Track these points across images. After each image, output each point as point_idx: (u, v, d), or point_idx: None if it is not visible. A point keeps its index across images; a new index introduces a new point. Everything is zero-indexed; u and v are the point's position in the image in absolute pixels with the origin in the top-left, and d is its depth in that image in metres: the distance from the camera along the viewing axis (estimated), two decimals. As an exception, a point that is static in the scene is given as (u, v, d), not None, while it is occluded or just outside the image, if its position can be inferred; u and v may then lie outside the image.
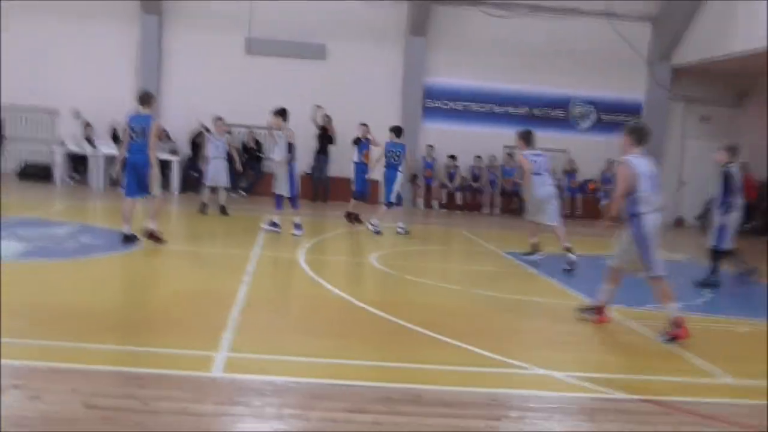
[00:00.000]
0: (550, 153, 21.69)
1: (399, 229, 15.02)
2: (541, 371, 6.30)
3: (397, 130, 15.62)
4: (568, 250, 12.02)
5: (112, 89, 20.29)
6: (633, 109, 22.81)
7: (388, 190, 15.23)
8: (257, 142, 21.31)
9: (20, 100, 20.71)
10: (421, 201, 22.04)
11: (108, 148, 19.84)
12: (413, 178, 21.24)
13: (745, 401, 5.86)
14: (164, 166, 18.61)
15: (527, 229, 12.98)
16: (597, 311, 8.28)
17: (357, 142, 16.66)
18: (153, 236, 11.16)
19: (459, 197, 22.25)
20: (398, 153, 15.29)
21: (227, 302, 7.77)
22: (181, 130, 20.73)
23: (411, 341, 7.03)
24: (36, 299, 7.57)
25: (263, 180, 20.07)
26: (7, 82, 20.19)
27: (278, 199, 13.58)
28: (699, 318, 9.11)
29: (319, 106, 19.96)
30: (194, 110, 19.94)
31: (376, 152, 16.12)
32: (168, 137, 20.34)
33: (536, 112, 22.82)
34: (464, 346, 6.80)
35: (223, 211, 16.03)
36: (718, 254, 11.45)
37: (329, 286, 9.27)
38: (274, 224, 13.61)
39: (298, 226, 13.40)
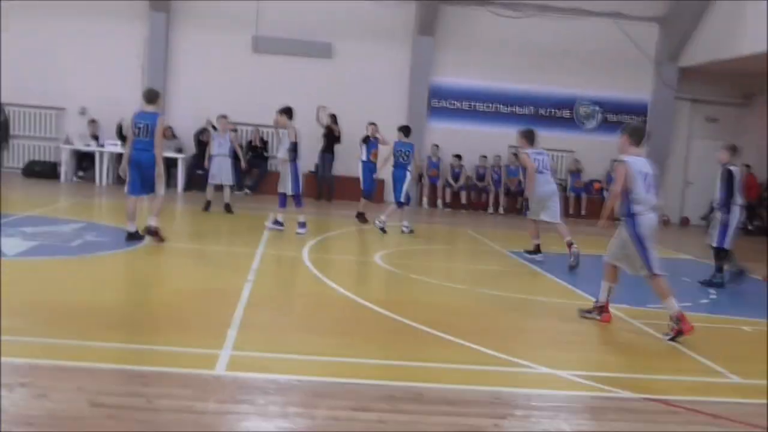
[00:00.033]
0: (556, 153, 22.02)
1: (404, 228, 15.01)
2: (546, 370, 6.28)
3: (405, 130, 15.62)
4: (571, 245, 12.05)
5: (118, 87, 20.31)
6: (639, 110, 22.76)
7: (399, 190, 15.24)
8: (263, 141, 21.31)
9: (26, 97, 20.74)
10: (425, 200, 22.01)
11: (114, 146, 19.88)
12: (419, 178, 21.23)
13: (752, 400, 5.84)
14: (170, 163, 18.65)
15: (529, 229, 12.96)
16: (599, 311, 8.27)
17: (366, 140, 16.61)
18: (154, 234, 11.12)
19: (464, 196, 22.22)
20: (407, 152, 15.30)
21: (231, 300, 7.76)
22: (187, 128, 20.74)
23: (415, 340, 7.02)
24: (41, 297, 7.57)
25: (268, 178, 20.07)
26: (13, 79, 20.21)
27: (282, 198, 13.57)
28: (705, 317, 9.11)
29: (322, 107, 19.95)
30: (201, 108, 19.96)
31: (385, 151, 16.11)
32: (173, 135, 20.34)
33: (542, 112, 22.77)
34: (468, 344, 6.79)
35: (228, 209, 16.03)
36: (721, 253, 11.42)
37: (333, 285, 9.27)
38: (278, 223, 13.61)
39: (302, 225, 13.39)
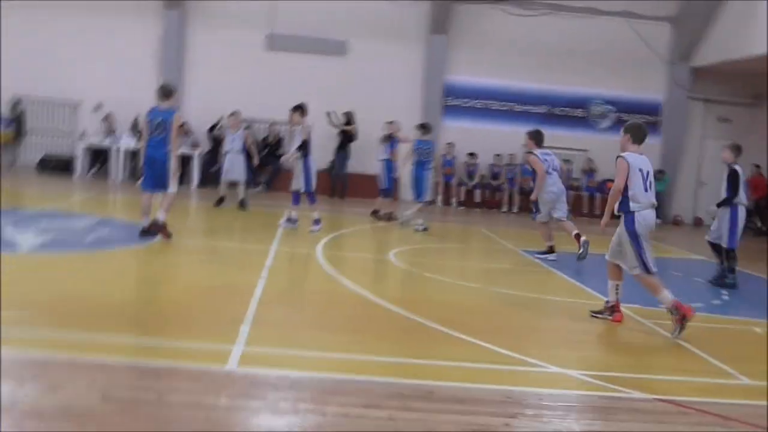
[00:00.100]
0: (570, 152, 21.98)
1: (417, 226, 15.02)
2: (557, 369, 6.28)
3: (425, 127, 15.64)
4: (579, 236, 12.11)
5: (133, 84, 20.34)
6: (652, 109, 22.70)
7: (422, 188, 15.31)
8: (277, 138, 21.35)
9: (42, 93, 20.90)
10: (440, 198, 22.00)
11: (128, 142, 19.97)
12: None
13: (762, 402, 5.81)
14: (184, 160, 18.70)
15: (540, 230, 12.96)
16: (611, 311, 8.27)
17: (388, 139, 16.53)
18: (161, 229, 11.00)
19: (478, 195, 22.21)
20: (428, 150, 15.34)
21: (244, 297, 7.79)
22: (201, 125, 20.81)
23: (427, 338, 7.03)
24: (54, 291, 7.62)
25: (282, 175, 20.11)
26: (29, 75, 20.39)
27: (295, 195, 13.58)
28: (716, 318, 9.11)
29: (332, 112, 19.92)
30: (215, 105, 20.01)
31: (404, 149, 16.14)
32: (189, 130, 20.40)
33: (556, 111, 22.72)
34: (480, 343, 6.80)
35: (242, 205, 16.08)
36: (731, 253, 11.41)
37: (346, 282, 9.28)
38: (291, 220, 13.63)
39: (316, 222, 13.40)
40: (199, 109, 20.76)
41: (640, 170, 7.96)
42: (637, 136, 8.17)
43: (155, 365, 5.43)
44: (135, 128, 19.75)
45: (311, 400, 5.03)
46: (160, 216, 10.98)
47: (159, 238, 10.94)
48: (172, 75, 20.19)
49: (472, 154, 22.09)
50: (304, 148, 13.23)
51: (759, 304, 10.47)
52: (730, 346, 7.83)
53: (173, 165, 11.00)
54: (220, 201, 16.28)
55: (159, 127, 10.86)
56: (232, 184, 16.50)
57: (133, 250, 10.54)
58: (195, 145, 20.55)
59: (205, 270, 9.85)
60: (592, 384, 5.95)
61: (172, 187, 11.06)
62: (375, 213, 16.53)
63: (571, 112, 22.81)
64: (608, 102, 22.77)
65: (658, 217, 19.81)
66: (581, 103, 22.76)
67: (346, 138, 20.74)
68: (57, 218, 12.61)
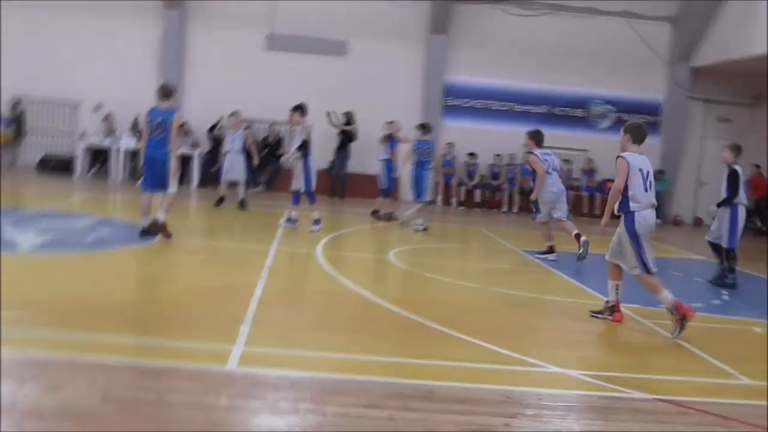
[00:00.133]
0: (570, 152, 21.99)
1: (417, 226, 15.02)
2: (557, 369, 6.29)
3: (425, 127, 15.65)
4: (579, 236, 12.13)
5: (133, 84, 20.33)
6: (652, 109, 22.71)
7: (422, 188, 15.33)
8: (277, 138, 21.35)
9: (42, 92, 20.90)
10: (440, 198, 22.00)
11: (128, 142, 19.97)
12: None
13: (762, 402, 5.80)
14: (184, 160, 18.70)
15: (540, 231, 12.97)
16: (611, 311, 8.27)
17: (388, 139, 16.52)
18: (161, 229, 10.96)
19: (478, 195, 22.22)
20: (428, 150, 15.35)
21: (244, 297, 7.79)
22: (201, 125, 20.81)
23: (427, 338, 7.03)
24: (54, 291, 7.62)
25: (282, 175, 20.11)
26: (29, 74, 20.40)
27: (295, 195, 13.58)
28: (716, 318, 9.11)
29: (332, 112, 19.90)
30: (215, 105, 20.01)
31: (404, 150, 16.14)
32: (188, 131, 20.41)
33: (556, 111, 22.73)
34: (480, 343, 6.80)
35: (242, 205, 16.09)
36: (731, 253, 11.42)
37: (346, 282, 9.28)
38: (291, 220, 13.63)
39: (316, 222, 13.40)
40: (199, 109, 20.76)
41: (640, 170, 7.98)
42: (637, 136, 8.19)
43: (155, 365, 5.43)
44: (135, 128, 19.75)
45: (311, 400, 5.03)
46: (160, 216, 10.94)
47: (159, 238, 10.94)
48: (172, 75, 20.19)
49: (472, 154, 22.10)
50: (304, 148, 13.23)
51: (759, 304, 10.47)
52: (730, 346, 7.83)
53: (173, 165, 10.98)
54: (220, 201, 16.29)
55: (159, 127, 10.84)
56: (233, 184, 16.51)
57: (133, 250, 10.54)
58: (195, 145, 20.56)
59: (205, 270, 9.85)
60: (592, 384, 5.95)
61: (172, 187, 11.02)
62: (375, 213, 16.54)
63: (571, 112, 22.82)
64: (608, 102, 22.78)
65: (658, 217, 19.79)
66: (581, 103, 22.77)
67: (346, 138, 20.74)
68: (57, 218, 12.61)
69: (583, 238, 12.01)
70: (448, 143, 21.85)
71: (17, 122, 20.90)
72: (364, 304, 8.32)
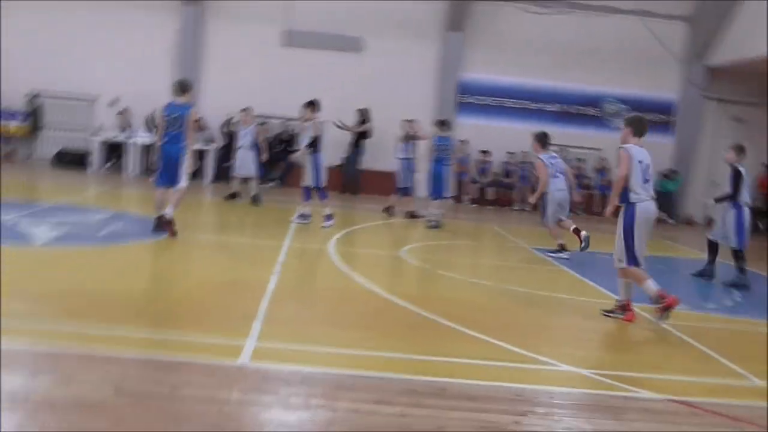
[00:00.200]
0: (583, 151, 21.95)
1: (430, 223, 15.03)
2: (568, 368, 6.29)
3: (444, 124, 15.67)
4: (578, 231, 12.25)
5: (150, 78, 20.41)
6: (666, 108, 22.64)
7: (442, 185, 15.34)
8: (291, 134, 21.39)
9: (58, 87, 21.01)
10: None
11: (143, 137, 20.05)
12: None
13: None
14: (199, 155, 18.77)
15: (551, 232, 12.98)
16: (622, 309, 8.26)
17: (409, 138, 16.45)
18: (166, 225, 10.80)
19: (490, 192, 22.20)
20: (446, 146, 15.37)
21: (257, 292, 7.81)
22: (217, 120, 20.88)
23: (439, 335, 7.04)
24: (68, 285, 7.67)
25: (296, 171, 20.15)
26: (46, 69, 20.53)
27: (306, 191, 13.61)
28: (728, 319, 9.08)
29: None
30: (230, 101, 20.01)
31: (423, 147, 16.15)
32: (203, 126, 20.46)
33: (569, 109, 22.68)
34: (491, 340, 6.81)
35: (255, 201, 16.13)
36: (739, 254, 11.42)
37: (358, 278, 9.30)
38: (303, 216, 13.65)
39: (328, 217, 13.42)
40: (214, 105, 20.81)
41: (640, 162, 8.14)
42: (638, 129, 8.33)
43: (168, 359, 5.45)
44: (150, 123, 19.81)
45: (322, 396, 5.05)
46: (168, 211, 10.84)
47: (175, 231, 10.86)
48: (188, 70, 20.25)
49: (485, 152, 22.08)
50: (314, 144, 13.24)
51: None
52: (742, 347, 7.81)
53: (188, 160, 10.99)
54: (232, 196, 16.35)
55: (175, 122, 10.85)
56: (246, 180, 16.57)
57: (146, 244, 10.58)
58: (210, 141, 20.61)
59: (218, 265, 9.89)
60: (603, 383, 5.95)
61: (183, 182, 10.99)
62: (388, 210, 16.53)
63: (585, 110, 22.76)
64: (622, 101, 22.69)
65: (671, 217, 19.85)
66: (595, 101, 22.71)
67: (361, 134, 20.74)
68: (71, 212, 12.67)
69: (583, 233, 12.11)
70: (462, 140, 21.85)
71: (34, 116, 21.02)
72: (376, 300, 8.34)
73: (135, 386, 4.87)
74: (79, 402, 4.52)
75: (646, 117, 8.64)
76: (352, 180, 20.95)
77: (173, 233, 10.82)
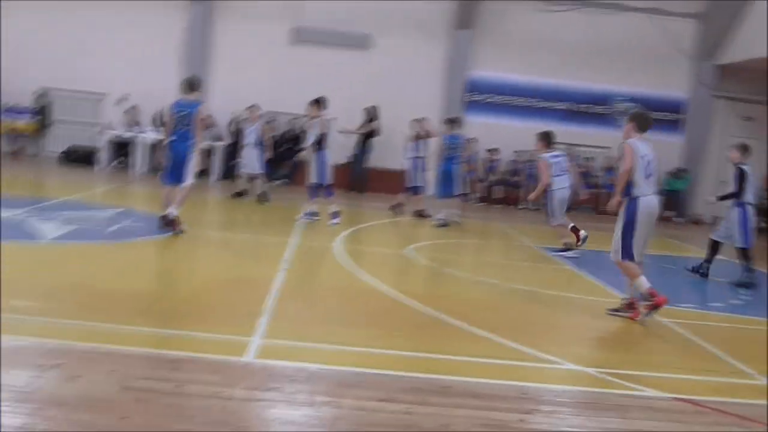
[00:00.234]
0: (592, 149, 21.90)
1: (437, 221, 15.03)
2: (574, 367, 6.28)
3: (454, 122, 15.66)
4: (576, 229, 12.43)
5: (158, 76, 20.42)
6: (675, 107, 22.58)
7: (453, 184, 15.41)
8: (299, 131, 21.39)
9: (67, 84, 21.04)
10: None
11: (152, 134, 20.08)
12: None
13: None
14: (207, 153, 18.79)
15: (557, 230, 12.98)
16: (628, 307, 8.25)
17: (420, 137, 16.45)
18: (170, 224, 10.77)
19: (498, 191, 22.18)
20: (457, 145, 15.35)
21: (263, 289, 7.83)
22: (225, 118, 20.87)
23: (444, 333, 7.05)
24: (76, 281, 7.70)
25: (303, 169, 20.16)
26: (55, 67, 20.57)
27: (312, 189, 13.61)
28: (735, 318, 9.06)
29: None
30: (238, 98, 20.02)
31: (433, 145, 16.16)
32: (212, 124, 20.47)
33: (577, 108, 22.64)
34: (497, 339, 6.81)
35: (262, 198, 16.15)
36: (746, 253, 11.42)
37: (364, 276, 9.31)
38: (309, 214, 13.66)
39: (334, 215, 13.43)
40: (222, 103, 20.79)
41: (643, 157, 8.13)
42: (642, 124, 8.32)
43: (174, 356, 5.46)
44: (158, 120, 19.85)
45: (328, 393, 5.05)
46: (172, 211, 10.76)
47: (179, 230, 10.90)
48: (196, 68, 20.24)
49: (492, 150, 22.05)
50: (320, 141, 13.24)
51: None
52: (748, 346, 7.79)
53: (196, 158, 10.97)
54: (239, 194, 16.38)
55: (183, 119, 10.85)
56: (252, 178, 16.60)
57: (153, 241, 10.60)
58: (217, 139, 20.63)
59: (224, 262, 9.91)
60: (609, 381, 5.94)
61: (189, 179, 10.95)
62: (395, 207, 16.52)
63: (594, 108, 22.71)
64: (631, 99, 22.60)
65: (679, 216, 19.77)
66: (604, 100, 22.65)
67: (368, 133, 20.73)
68: (79, 209, 12.70)
69: (582, 232, 12.27)
70: (469, 139, 21.79)
71: (42, 113, 21.07)
72: (381, 298, 8.34)
73: (141, 383, 4.88)
74: (84, 398, 4.54)
75: (649, 113, 8.61)
76: (359, 178, 20.95)
77: (179, 231, 10.80)
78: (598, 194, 21.51)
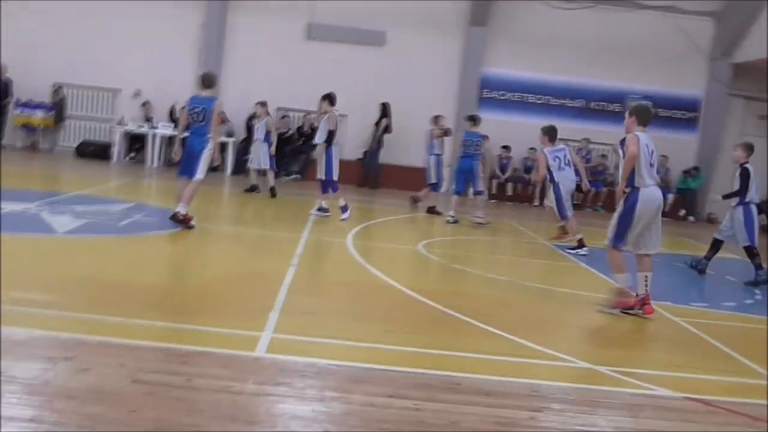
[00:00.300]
0: (606, 147, 21.82)
1: (449, 218, 15.02)
2: (585, 365, 6.26)
3: (474, 119, 15.66)
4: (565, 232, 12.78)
5: (173, 71, 20.56)
6: (691, 105, 22.49)
7: (473, 181, 15.55)
8: (312, 127, 21.39)
9: (82, 78, 21.14)
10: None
11: (166, 129, 20.13)
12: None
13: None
14: (220, 147, 18.83)
15: (569, 228, 12.97)
16: (641, 303, 8.21)
17: (444, 134, 16.47)
18: (180, 221, 10.66)
19: (510, 188, 22.14)
20: (477, 142, 15.35)
21: (274, 284, 7.84)
22: (239, 113, 20.89)
23: (455, 329, 7.04)
24: (88, 274, 7.73)
25: (314, 165, 20.18)
26: (70, 61, 20.66)
27: (322, 184, 13.62)
28: (748, 318, 9.02)
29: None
30: (254, 94, 20.00)
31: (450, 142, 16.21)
32: (225, 119, 20.51)
33: (592, 105, 22.58)
34: (507, 336, 6.79)
35: (272, 192, 16.19)
36: (753, 251, 11.42)
37: (376, 272, 9.30)
38: (322, 209, 13.67)
39: (343, 209, 13.41)
40: (237, 98, 20.81)
41: (646, 145, 8.16)
42: (643, 118, 8.33)
43: (185, 349, 5.46)
44: (173, 115, 19.92)
45: (337, 388, 5.05)
46: (180, 209, 10.64)
47: (192, 223, 10.87)
48: (211, 63, 20.31)
49: (506, 147, 22.01)
50: (329, 137, 13.22)
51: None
52: (761, 346, 7.73)
53: (212, 153, 10.95)
54: (251, 189, 16.44)
55: (199, 115, 10.87)
56: (264, 173, 16.65)
57: (166, 235, 10.62)
58: (230, 134, 20.66)
59: (236, 257, 9.92)
60: (620, 380, 5.91)
61: (200, 174, 10.83)
62: (413, 199, 16.62)
63: (608, 106, 22.62)
64: (646, 97, 22.49)
65: (689, 214, 19.72)
66: (618, 97, 22.54)
67: (383, 129, 20.74)
68: (93, 202, 12.75)
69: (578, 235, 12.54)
70: (483, 135, 21.74)
71: (58, 108, 21.17)
72: (392, 294, 8.34)
73: (151, 376, 4.89)
74: (95, 391, 4.54)
75: (650, 106, 8.58)
76: (372, 174, 20.95)
77: (189, 226, 10.74)
78: (612, 192, 21.46)
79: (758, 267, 11.37)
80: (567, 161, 12.88)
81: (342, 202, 13.46)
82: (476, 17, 21.70)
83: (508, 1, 21.69)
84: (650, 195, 8.09)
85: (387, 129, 20.77)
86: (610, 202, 20.78)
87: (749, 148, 11.59)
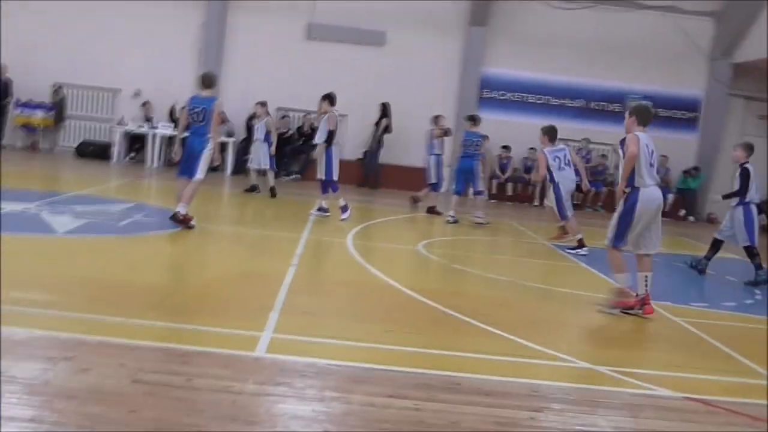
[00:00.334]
0: (606, 147, 21.81)
1: (449, 218, 15.02)
2: (585, 365, 6.25)
3: (474, 119, 15.66)
4: (566, 233, 12.81)
5: (173, 71, 20.56)
6: (691, 105, 22.49)
7: (473, 181, 15.55)
8: (312, 127, 21.39)
9: (82, 78, 21.14)
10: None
11: (166, 129, 20.13)
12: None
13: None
14: (220, 147, 18.83)
15: (569, 228, 12.98)
16: (641, 303, 8.21)
17: (445, 134, 16.49)
18: (180, 222, 10.64)
19: (510, 188, 22.13)
20: (477, 142, 15.36)
21: (274, 284, 7.84)
22: (239, 113, 20.88)
23: (455, 329, 7.04)
24: (88, 274, 7.73)
25: (315, 165, 20.17)
26: (70, 61, 20.65)
27: (322, 184, 13.61)
28: (748, 318, 9.01)
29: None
30: (254, 94, 19.98)
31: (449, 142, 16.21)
32: (224, 119, 20.51)
33: (592, 105, 22.57)
34: (507, 336, 6.79)
35: (272, 192, 16.19)
36: (753, 251, 11.42)
37: (376, 272, 9.30)
38: (322, 209, 13.67)
39: (343, 209, 13.41)
40: (237, 98, 20.81)
41: (646, 146, 8.16)
42: (643, 118, 8.33)
43: (185, 349, 5.46)
44: (173, 115, 19.91)
45: (337, 388, 5.05)
46: (180, 210, 10.62)
47: (191, 223, 10.87)
48: (211, 63, 20.30)
49: (506, 147, 22.00)
50: (329, 137, 13.21)
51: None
52: (761, 346, 7.73)
53: (212, 153, 10.94)
54: (252, 189, 16.43)
55: (199, 115, 10.86)
56: (263, 173, 16.65)
57: (166, 235, 10.62)
58: (230, 134, 20.66)
59: (236, 257, 9.92)
60: (620, 380, 5.91)
61: (200, 174, 10.81)
62: (413, 198, 16.62)
63: (608, 106, 22.62)
64: (646, 97, 22.48)
65: (689, 214, 19.70)
66: (618, 97, 22.54)
67: (382, 131, 20.74)
68: (93, 203, 12.75)
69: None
70: (483, 135, 21.73)
71: (58, 108, 21.17)
72: (392, 294, 8.33)
73: (151, 376, 4.89)
74: (95, 390, 4.54)
75: (650, 106, 8.58)
76: (372, 174, 20.95)
77: (189, 226, 10.73)
78: (610, 192, 21.46)
79: (758, 267, 11.38)
80: (567, 161, 12.89)
81: (342, 202, 13.46)
82: (476, 17, 21.69)
83: (508, 1, 21.69)
84: (650, 195, 8.08)
85: (387, 129, 20.77)
86: (610, 202, 20.82)
87: (749, 148, 11.60)
